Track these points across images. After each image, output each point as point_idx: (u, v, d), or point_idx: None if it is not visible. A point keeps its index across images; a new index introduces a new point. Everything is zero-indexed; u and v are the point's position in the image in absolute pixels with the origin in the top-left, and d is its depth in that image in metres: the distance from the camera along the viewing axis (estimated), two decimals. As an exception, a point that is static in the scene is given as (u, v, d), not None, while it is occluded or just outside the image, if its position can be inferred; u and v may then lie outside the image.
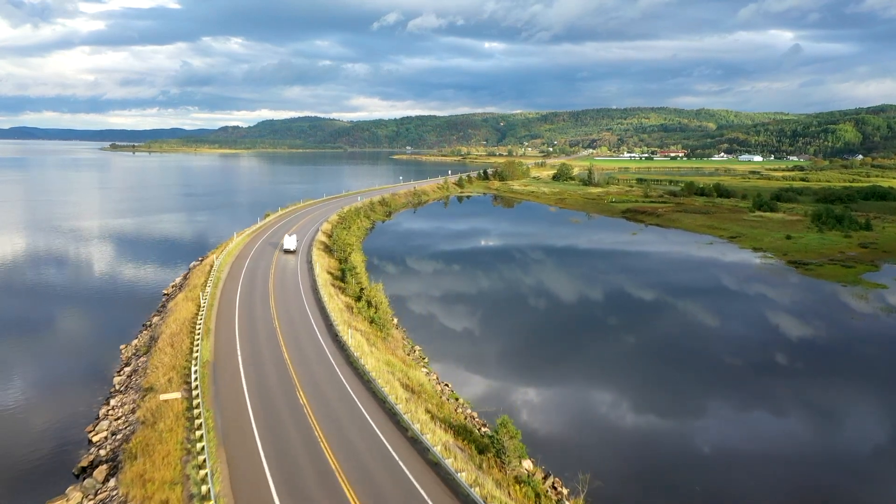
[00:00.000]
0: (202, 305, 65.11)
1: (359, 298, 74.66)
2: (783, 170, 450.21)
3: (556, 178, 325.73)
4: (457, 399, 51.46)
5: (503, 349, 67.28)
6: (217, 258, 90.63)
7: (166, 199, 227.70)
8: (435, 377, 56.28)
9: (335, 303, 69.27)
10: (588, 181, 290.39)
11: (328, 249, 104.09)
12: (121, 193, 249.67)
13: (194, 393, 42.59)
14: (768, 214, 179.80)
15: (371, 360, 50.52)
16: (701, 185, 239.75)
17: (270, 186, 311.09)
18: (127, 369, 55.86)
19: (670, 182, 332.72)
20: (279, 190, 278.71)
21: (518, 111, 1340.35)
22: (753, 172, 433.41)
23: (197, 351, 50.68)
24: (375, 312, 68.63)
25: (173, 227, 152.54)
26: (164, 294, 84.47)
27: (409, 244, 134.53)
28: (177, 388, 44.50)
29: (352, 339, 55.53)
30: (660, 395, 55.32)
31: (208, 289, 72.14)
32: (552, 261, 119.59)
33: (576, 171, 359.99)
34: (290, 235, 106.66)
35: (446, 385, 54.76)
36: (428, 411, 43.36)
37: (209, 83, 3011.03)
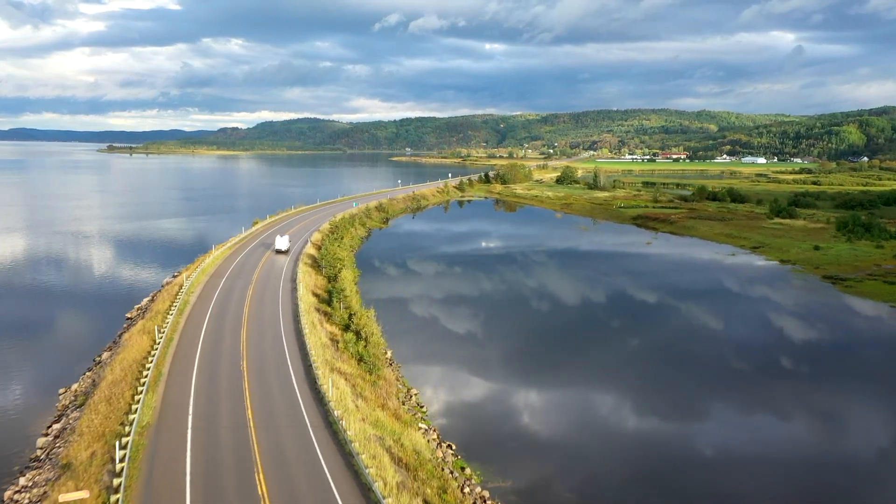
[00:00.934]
0: (157, 341, 54.58)
1: (347, 328, 64.26)
2: (791, 172, 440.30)
3: (559, 181, 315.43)
4: (463, 470, 41.02)
5: (520, 397, 56.84)
6: (189, 277, 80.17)
7: (152, 203, 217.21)
8: (435, 436, 45.80)
9: (318, 336, 58.73)
10: (594, 185, 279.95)
11: (316, 265, 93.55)
12: (105, 197, 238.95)
13: (115, 483, 31.99)
14: (788, 222, 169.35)
15: (355, 423, 40.00)
16: (713, 190, 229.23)
17: (263, 190, 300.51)
18: (56, 426, 45.34)
19: (677, 186, 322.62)
20: (272, 193, 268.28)
21: (518, 112, 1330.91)
22: (761, 175, 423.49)
23: (135, 412, 40.19)
24: (365, 347, 58.21)
25: (152, 236, 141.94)
26: (127, 319, 74.00)
27: (407, 254, 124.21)
28: (98, 469, 34.03)
29: (333, 388, 45.07)
30: (736, 432, 44.96)
31: (170, 317, 61.63)
32: (563, 273, 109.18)
33: (579, 174, 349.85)
34: (281, 236, 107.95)
35: (449, 447, 44.30)
36: (427, 503, 32.92)
37: (209, 84, 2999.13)
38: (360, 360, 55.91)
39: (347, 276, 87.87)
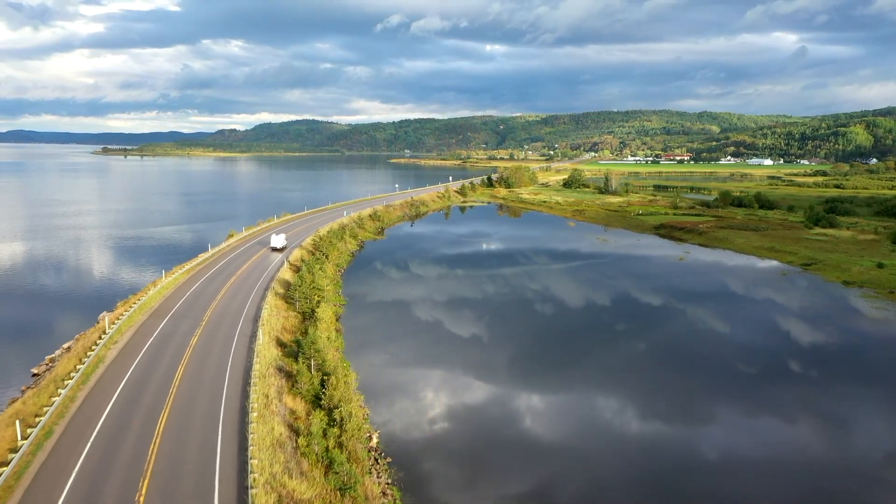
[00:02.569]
0: (20, 444, 36.11)
1: (316, 401, 46.00)
2: (806, 175, 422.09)
3: (567, 184, 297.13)
4: None
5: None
6: (122, 316, 61.77)
7: (122, 210, 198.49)
8: None
9: (269, 425, 40.26)
10: (605, 189, 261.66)
11: (290, 297, 75.01)
12: (75, 205, 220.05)
13: None
14: (831, 232, 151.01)
15: None
16: (737, 194, 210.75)
17: (250, 195, 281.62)
18: None
19: (692, 189, 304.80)
20: (259, 199, 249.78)
21: (518, 114, 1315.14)
22: (774, 178, 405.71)
23: None
24: (339, 439, 39.91)
25: (106, 254, 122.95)
26: (34, 375, 55.61)
27: (405, 273, 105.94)
28: None
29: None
30: None
31: (61, 393, 43.19)
32: (587, 294, 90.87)
33: (587, 177, 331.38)
34: (276, 234, 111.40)
35: None
36: None
37: (209, 86, 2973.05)
38: (330, 466, 37.51)
39: (327, 314, 69.41)
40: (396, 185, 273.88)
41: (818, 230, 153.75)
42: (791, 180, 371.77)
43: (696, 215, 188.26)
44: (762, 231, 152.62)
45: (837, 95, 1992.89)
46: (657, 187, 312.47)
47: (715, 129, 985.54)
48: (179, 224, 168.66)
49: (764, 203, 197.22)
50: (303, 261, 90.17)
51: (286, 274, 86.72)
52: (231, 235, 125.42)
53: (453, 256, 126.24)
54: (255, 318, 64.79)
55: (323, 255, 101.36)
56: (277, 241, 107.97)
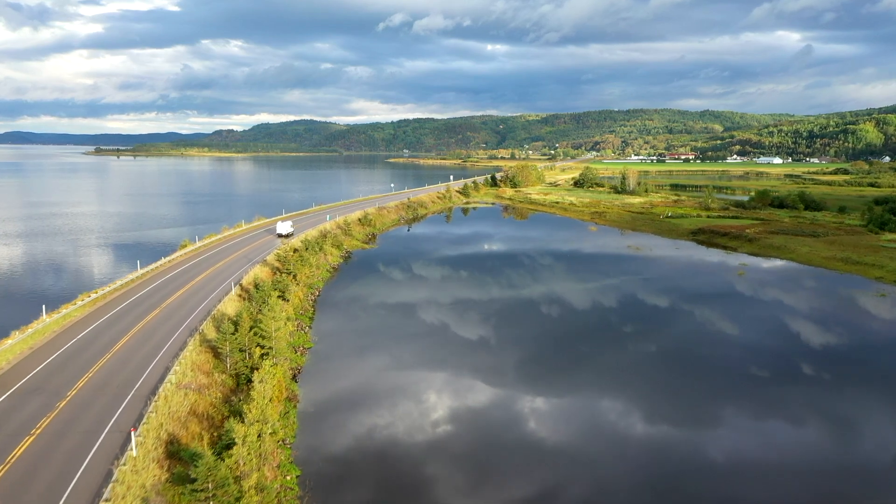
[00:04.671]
0: None
1: None
2: (825, 173, 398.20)
3: (578, 183, 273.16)
4: None
5: None
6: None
7: (71, 216, 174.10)
8: None
9: None
10: (622, 188, 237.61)
11: (221, 349, 50.62)
12: (31, 208, 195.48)
13: None
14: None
15: None
16: (776, 193, 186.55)
17: (230, 196, 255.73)
18: None
19: (715, 188, 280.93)
20: (238, 201, 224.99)
21: (518, 114, 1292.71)
22: (794, 176, 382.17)
23: None
24: None
25: (21, 274, 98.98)
26: None
27: (394, 292, 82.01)
28: None
29: None
30: None
31: None
32: (644, 332, 66.89)
33: (600, 175, 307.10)
34: (283, 221, 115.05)
35: None
36: None
37: (209, 87, 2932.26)
38: None
39: (274, 377, 45.13)
40: (392, 185, 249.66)
41: (890, 236, 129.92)
42: (812, 179, 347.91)
43: (733, 217, 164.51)
44: (821, 237, 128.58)
45: (840, 94, 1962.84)
46: (674, 186, 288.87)
47: (718, 127, 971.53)
48: (130, 231, 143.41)
49: (809, 203, 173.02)
50: (256, 286, 65.95)
51: (230, 306, 62.54)
52: (184, 246, 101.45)
53: (457, 267, 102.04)
54: (152, 395, 40.66)
55: (289, 274, 77.26)
56: (284, 227, 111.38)
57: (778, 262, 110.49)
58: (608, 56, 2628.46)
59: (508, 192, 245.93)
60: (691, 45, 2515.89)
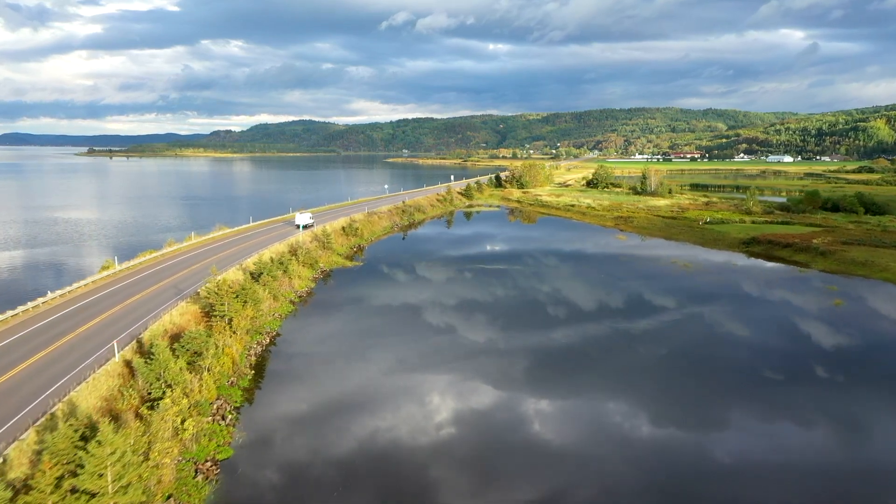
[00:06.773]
0: None
1: None
2: (853, 172, 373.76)
3: (591, 184, 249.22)
4: None
5: None
6: None
7: (32, 223, 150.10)
8: None
9: None
10: (641, 189, 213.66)
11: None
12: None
13: None
14: None
15: None
16: (828, 195, 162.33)
17: (205, 199, 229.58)
18: None
19: (736, 188, 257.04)
20: (212, 204, 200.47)
21: (519, 113, 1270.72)
22: (815, 175, 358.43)
23: None
24: None
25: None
26: None
27: (378, 330, 58.33)
28: None
29: None
30: None
31: None
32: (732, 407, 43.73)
33: (616, 174, 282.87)
34: (301, 213, 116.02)
35: None
36: None
37: (210, 87, 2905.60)
38: None
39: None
40: (386, 187, 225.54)
41: None
42: (837, 178, 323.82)
43: (782, 223, 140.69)
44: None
45: (843, 92, 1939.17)
46: (695, 186, 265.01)
47: (721, 126, 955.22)
48: (66, 243, 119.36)
49: (870, 206, 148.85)
50: (149, 350, 41.84)
51: (103, 384, 38.48)
52: (106, 267, 77.68)
53: (461, 288, 78.05)
54: None
55: (224, 320, 53.17)
56: (302, 219, 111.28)
57: (865, 282, 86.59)
58: (610, 55, 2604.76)
59: (515, 193, 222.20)
60: (695, 44, 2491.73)
